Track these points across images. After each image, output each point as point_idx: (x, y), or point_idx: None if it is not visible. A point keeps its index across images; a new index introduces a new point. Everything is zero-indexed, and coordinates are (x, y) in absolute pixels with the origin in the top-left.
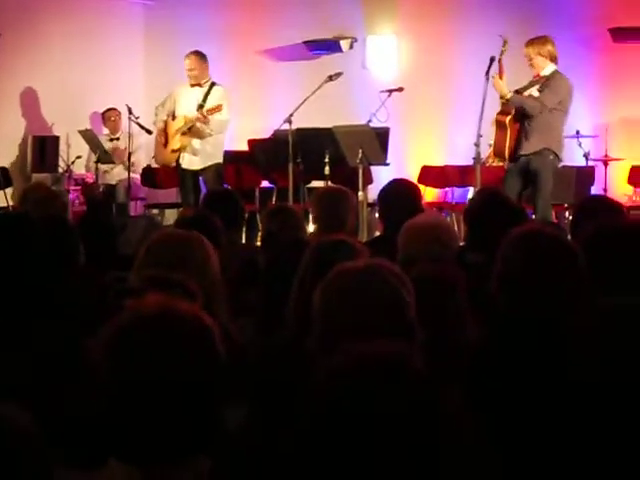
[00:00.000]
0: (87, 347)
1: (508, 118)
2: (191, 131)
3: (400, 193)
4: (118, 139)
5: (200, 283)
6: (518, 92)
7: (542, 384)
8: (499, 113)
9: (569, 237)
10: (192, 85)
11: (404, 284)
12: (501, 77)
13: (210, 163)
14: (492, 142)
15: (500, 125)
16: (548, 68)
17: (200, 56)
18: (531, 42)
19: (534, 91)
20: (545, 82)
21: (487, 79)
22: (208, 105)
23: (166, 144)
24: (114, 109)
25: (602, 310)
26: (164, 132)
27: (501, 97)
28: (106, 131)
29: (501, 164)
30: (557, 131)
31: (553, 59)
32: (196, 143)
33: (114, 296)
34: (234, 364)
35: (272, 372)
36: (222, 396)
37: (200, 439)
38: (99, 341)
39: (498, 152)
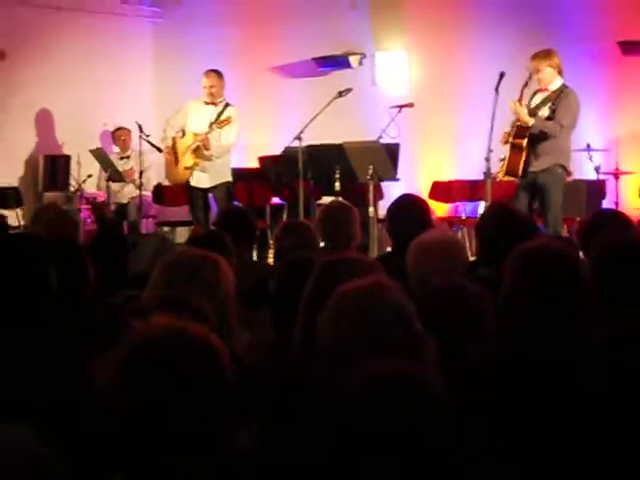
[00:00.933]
0: (97, 368)
1: (525, 141)
2: (199, 150)
3: (409, 208)
4: (128, 157)
5: (212, 302)
6: (533, 112)
7: (552, 399)
8: (516, 137)
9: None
10: (207, 103)
11: (407, 299)
12: (520, 104)
13: (220, 181)
14: (504, 161)
15: (517, 148)
16: (557, 82)
17: (219, 75)
18: (538, 55)
19: (546, 110)
20: (556, 99)
21: (497, 94)
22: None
23: (176, 162)
24: (124, 128)
25: (619, 324)
26: (172, 150)
27: (521, 122)
28: (116, 149)
29: (512, 179)
30: (566, 145)
31: (561, 72)
32: (206, 161)
33: (126, 316)
34: (243, 386)
35: (281, 394)
36: (231, 418)
37: (209, 460)
38: (108, 362)
39: (511, 171)
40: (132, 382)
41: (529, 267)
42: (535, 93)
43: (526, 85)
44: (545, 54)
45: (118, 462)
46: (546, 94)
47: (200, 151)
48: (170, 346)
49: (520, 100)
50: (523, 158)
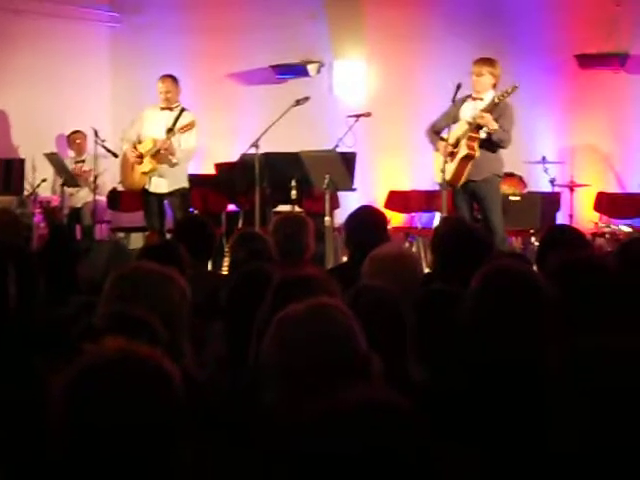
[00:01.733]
0: (48, 386)
1: (478, 152)
2: (158, 155)
3: (366, 220)
4: (83, 161)
5: (165, 318)
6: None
7: (511, 422)
8: (470, 148)
9: (534, 267)
10: (162, 108)
11: (350, 318)
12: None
13: (176, 187)
14: (445, 171)
15: (468, 158)
16: (490, 92)
17: (174, 80)
18: (483, 60)
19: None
20: (496, 109)
21: (453, 105)
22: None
23: (134, 166)
24: (79, 131)
25: (583, 350)
26: (137, 151)
27: (490, 130)
28: (72, 154)
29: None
30: (501, 155)
31: (496, 85)
32: (164, 166)
33: (78, 334)
34: (194, 405)
35: (232, 414)
36: (181, 439)
37: None
38: (57, 384)
39: (453, 181)
40: (80, 404)
41: (494, 288)
42: (464, 100)
43: (504, 97)
44: (490, 61)
45: None
46: (479, 104)
47: (160, 156)
48: (120, 369)
49: (454, 100)
50: (468, 168)
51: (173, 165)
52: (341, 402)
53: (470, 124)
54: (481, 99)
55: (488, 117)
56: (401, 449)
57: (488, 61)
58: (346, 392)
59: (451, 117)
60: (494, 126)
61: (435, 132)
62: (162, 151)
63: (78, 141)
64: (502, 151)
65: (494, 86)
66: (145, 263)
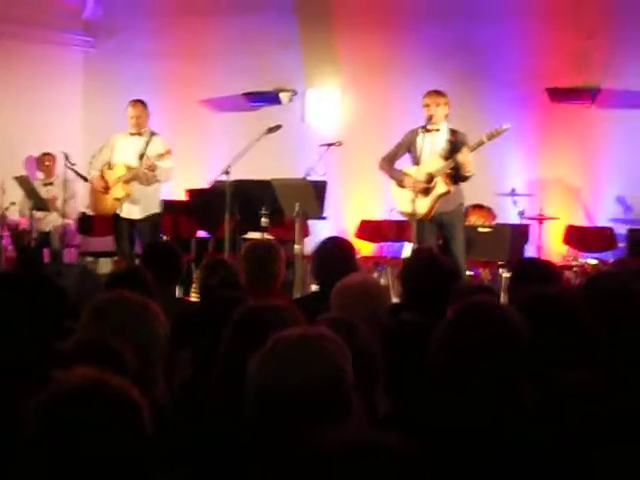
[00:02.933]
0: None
1: (453, 188)
2: (135, 179)
3: (335, 252)
4: (52, 184)
5: (142, 348)
6: (447, 155)
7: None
8: (447, 184)
9: (502, 298)
10: (132, 134)
11: (342, 351)
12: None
13: (149, 213)
14: (415, 203)
15: (444, 195)
16: (444, 123)
17: (144, 105)
18: (439, 93)
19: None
20: (456, 140)
21: (424, 136)
22: (150, 153)
23: (105, 192)
24: (49, 154)
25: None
26: (103, 181)
27: (466, 170)
28: (41, 176)
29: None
30: (460, 185)
31: (447, 116)
32: (137, 192)
33: (49, 362)
34: (163, 434)
35: (198, 438)
36: (150, 468)
37: None
38: (27, 409)
39: (426, 216)
40: (48, 434)
41: (477, 322)
42: (416, 132)
43: (491, 138)
44: (442, 92)
45: None
46: (439, 136)
47: (142, 178)
48: (88, 399)
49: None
50: (439, 202)
51: (153, 182)
52: (329, 442)
53: (445, 159)
54: (437, 130)
55: (470, 158)
56: None
57: (441, 92)
58: (333, 431)
59: (405, 148)
60: (470, 169)
61: (390, 162)
62: (143, 171)
63: (47, 163)
64: (472, 182)
65: (446, 117)
66: (118, 293)
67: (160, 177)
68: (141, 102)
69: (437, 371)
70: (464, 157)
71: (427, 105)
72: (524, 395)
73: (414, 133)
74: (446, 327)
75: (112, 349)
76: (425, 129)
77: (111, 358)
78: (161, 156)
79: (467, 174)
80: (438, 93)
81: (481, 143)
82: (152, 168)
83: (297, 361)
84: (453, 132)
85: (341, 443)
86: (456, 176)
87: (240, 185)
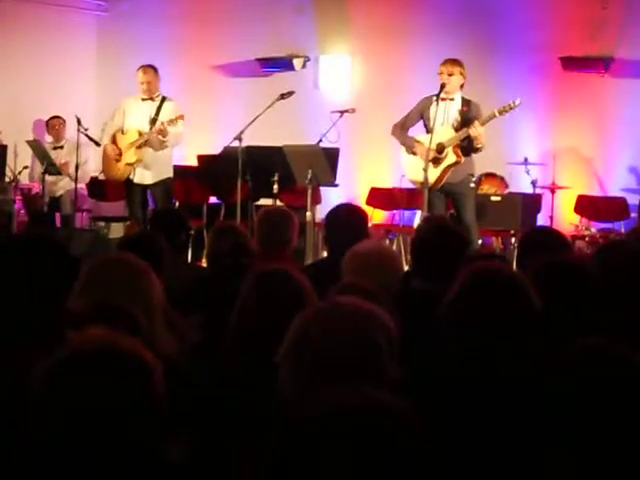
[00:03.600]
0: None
1: (463, 159)
2: (147, 144)
3: (347, 218)
4: (62, 147)
5: (142, 308)
6: (460, 126)
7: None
8: (457, 155)
9: (514, 266)
10: (144, 99)
11: (377, 323)
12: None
13: (161, 178)
14: (427, 172)
15: (455, 164)
16: (459, 93)
17: (155, 70)
18: (452, 60)
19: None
20: (471, 110)
21: (437, 104)
22: (162, 118)
23: (119, 160)
24: (58, 117)
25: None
26: (116, 147)
27: (477, 143)
28: (49, 139)
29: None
30: (472, 155)
31: (463, 85)
32: (149, 157)
33: (62, 324)
34: (176, 395)
35: (217, 403)
36: (162, 431)
37: (140, 473)
38: (39, 371)
39: (435, 185)
40: (61, 394)
41: (482, 289)
42: (430, 100)
43: (504, 112)
44: (459, 62)
45: (42, 473)
46: (453, 106)
47: (152, 143)
48: (103, 360)
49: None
50: (449, 172)
51: (163, 147)
52: (338, 400)
53: (457, 130)
54: (451, 99)
55: (482, 131)
56: (394, 453)
57: (457, 62)
58: (346, 391)
59: (418, 115)
60: (483, 141)
61: (403, 129)
62: (155, 134)
63: (56, 127)
64: (484, 152)
65: (462, 87)
66: (121, 254)
67: (169, 142)
68: (152, 67)
69: (447, 334)
70: (475, 131)
71: (441, 73)
72: (537, 355)
73: (428, 101)
74: (456, 291)
75: (123, 310)
76: (439, 97)
77: (123, 319)
78: (173, 121)
79: (478, 146)
80: (454, 62)
81: (492, 116)
82: (163, 133)
83: (350, 331)
84: (467, 102)
85: (348, 402)
86: (468, 147)
87: (252, 151)
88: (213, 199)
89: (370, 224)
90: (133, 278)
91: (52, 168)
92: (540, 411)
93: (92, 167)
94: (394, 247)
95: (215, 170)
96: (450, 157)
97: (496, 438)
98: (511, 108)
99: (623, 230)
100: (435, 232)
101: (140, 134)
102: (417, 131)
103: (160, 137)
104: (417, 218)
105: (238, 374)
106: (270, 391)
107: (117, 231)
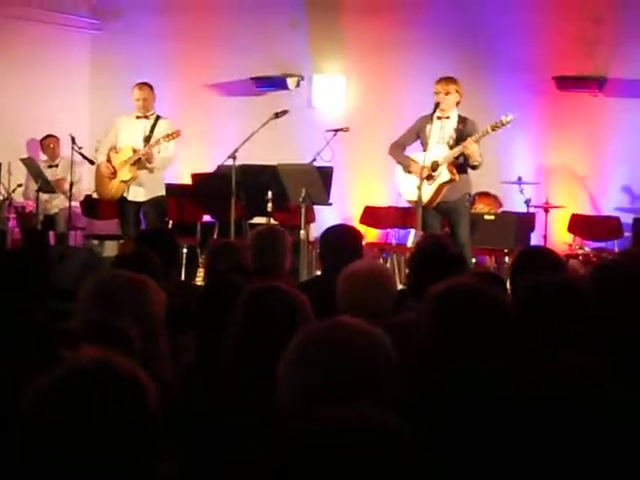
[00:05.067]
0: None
1: (458, 176)
2: (140, 163)
3: (342, 239)
4: (57, 166)
5: (142, 326)
6: (455, 144)
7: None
8: (452, 173)
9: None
10: (138, 117)
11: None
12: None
13: (154, 195)
14: (424, 194)
15: (449, 182)
16: (454, 110)
17: (150, 87)
18: (450, 79)
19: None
20: (464, 129)
21: (431, 122)
22: (157, 135)
23: (113, 178)
24: (53, 136)
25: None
26: (110, 165)
27: (472, 161)
28: (44, 157)
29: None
30: (469, 174)
31: (459, 102)
32: (143, 175)
33: (57, 343)
34: (170, 415)
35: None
36: (155, 451)
37: None
38: (33, 389)
39: (430, 203)
40: (54, 413)
41: (444, 308)
42: (426, 119)
43: (496, 129)
44: (454, 80)
45: None
46: (449, 124)
47: (141, 164)
48: (97, 380)
49: (432, 118)
50: (444, 190)
51: (151, 171)
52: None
53: (452, 148)
54: (447, 117)
55: (475, 148)
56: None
57: (452, 79)
58: (345, 409)
59: (415, 134)
60: (478, 159)
61: (400, 148)
62: (142, 158)
63: (51, 145)
64: (478, 170)
65: (458, 104)
66: (122, 271)
67: (156, 166)
68: (147, 85)
69: (427, 355)
70: (468, 149)
71: (437, 92)
72: (516, 374)
73: (425, 119)
74: (428, 309)
75: (119, 330)
76: (436, 116)
77: (118, 339)
78: (169, 136)
79: (475, 163)
80: (449, 80)
81: (485, 133)
82: (149, 159)
83: (355, 348)
84: (463, 120)
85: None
86: (463, 165)
87: (246, 170)
88: (207, 217)
89: (364, 242)
90: (131, 295)
91: (46, 186)
92: (513, 432)
93: (85, 185)
94: (388, 266)
95: (209, 188)
96: (444, 175)
97: (489, 457)
98: (503, 124)
99: (617, 249)
100: (430, 252)
101: (134, 151)
102: (415, 150)
103: (147, 163)
104: (411, 237)
105: (235, 392)
106: (268, 408)
107: (111, 249)
